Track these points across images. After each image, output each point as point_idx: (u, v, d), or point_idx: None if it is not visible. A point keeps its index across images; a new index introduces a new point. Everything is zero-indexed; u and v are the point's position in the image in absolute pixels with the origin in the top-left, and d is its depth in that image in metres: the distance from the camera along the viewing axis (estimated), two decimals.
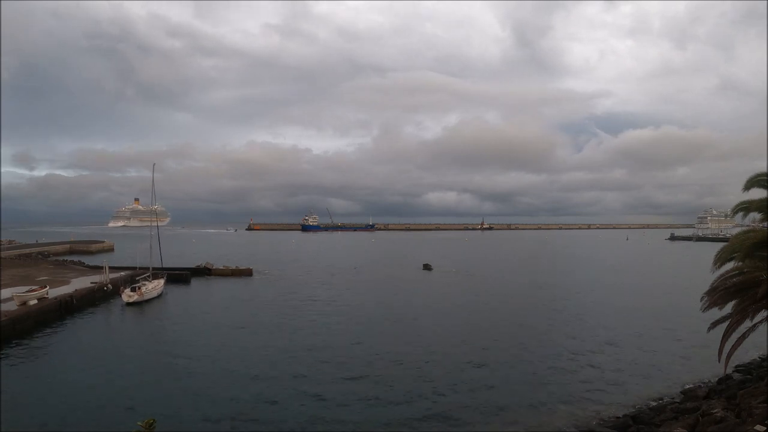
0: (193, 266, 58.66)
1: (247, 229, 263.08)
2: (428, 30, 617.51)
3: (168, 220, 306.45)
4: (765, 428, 11.94)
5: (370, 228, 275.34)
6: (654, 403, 18.12)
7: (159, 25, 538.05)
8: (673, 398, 18.66)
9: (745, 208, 17.32)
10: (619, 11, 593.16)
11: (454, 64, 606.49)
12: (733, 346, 15.07)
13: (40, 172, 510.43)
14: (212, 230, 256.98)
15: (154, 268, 45.36)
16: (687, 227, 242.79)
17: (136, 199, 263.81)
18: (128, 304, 36.85)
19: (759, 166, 17.52)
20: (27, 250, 77.19)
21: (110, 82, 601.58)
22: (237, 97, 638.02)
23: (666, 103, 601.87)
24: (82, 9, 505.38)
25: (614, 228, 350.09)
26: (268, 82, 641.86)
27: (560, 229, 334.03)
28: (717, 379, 20.09)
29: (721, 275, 16.26)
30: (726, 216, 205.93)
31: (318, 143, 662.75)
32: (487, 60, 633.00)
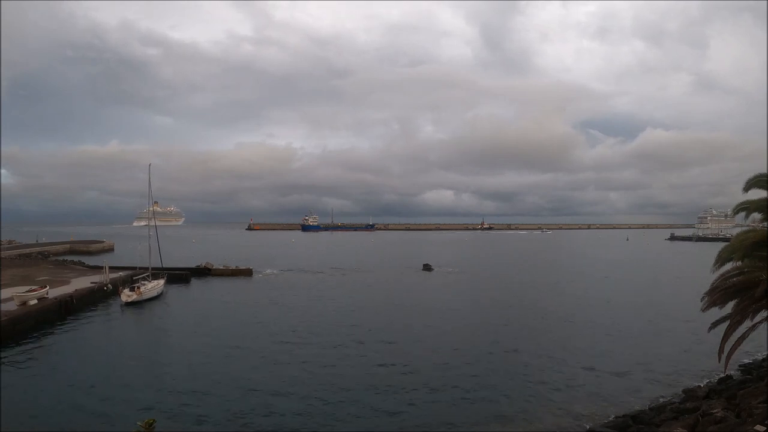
0: (193, 266, 58.66)
1: (247, 229, 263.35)
2: (399, 33, 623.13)
3: (183, 220, 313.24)
4: (765, 428, 11.93)
5: (370, 228, 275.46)
6: (654, 403, 18.11)
7: (131, 34, 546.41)
8: (673, 398, 18.63)
9: (746, 208, 17.30)
10: (587, 11, 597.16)
11: (429, 64, 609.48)
12: (733, 346, 15.06)
13: (29, 172, 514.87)
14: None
15: (153, 268, 45.36)
16: (687, 227, 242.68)
17: (156, 202, 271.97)
18: (127, 303, 36.84)
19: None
20: (27, 250, 77.18)
21: (94, 89, 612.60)
22: (226, 101, 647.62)
23: (649, 102, 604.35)
24: (57, 19, 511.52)
25: (614, 228, 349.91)
26: (248, 87, 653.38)
27: (560, 229, 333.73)
28: (717, 379, 20.09)
29: (721, 275, 16.24)
30: (726, 216, 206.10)
31: (311, 142, 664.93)
32: (462, 61, 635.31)
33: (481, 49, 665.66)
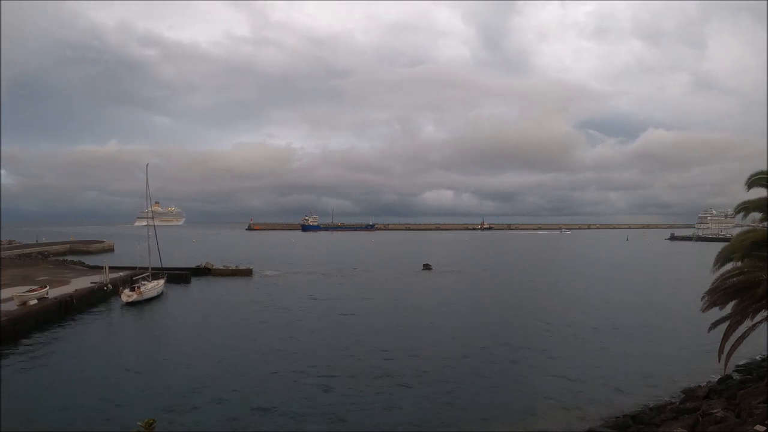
0: (193, 266, 58.65)
1: (247, 229, 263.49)
2: (396, 33, 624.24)
3: (183, 220, 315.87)
4: (765, 428, 11.93)
5: (370, 228, 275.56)
6: (654, 403, 18.09)
7: (129, 35, 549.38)
8: (673, 398, 18.62)
9: (746, 207, 17.28)
10: (585, 11, 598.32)
11: (428, 64, 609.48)
12: (733, 346, 15.05)
13: (28, 171, 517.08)
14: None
15: (153, 268, 45.34)
16: (687, 227, 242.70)
17: (156, 202, 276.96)
18: (127, 303, 36.83)
19: None
20: (27, 250, 77.19)
21: (94, 89, 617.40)
22: (225, 101, 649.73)
23: (648, 102, 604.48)
24: (57, 19, 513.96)
25: (614, 228, 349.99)
26: (247, 87, 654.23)
27: (560, 229, 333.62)
28: (717, 379, 20.05)
29: (721, 275, 16.23)
30: (726, 216, 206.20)
31: (311, 143, 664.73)
32: (460, 61, 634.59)
33: (480, 50, 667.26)
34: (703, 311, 16.33)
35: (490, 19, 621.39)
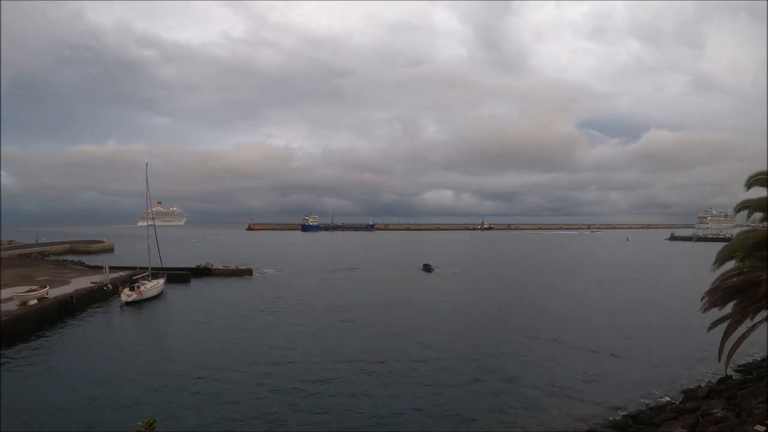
0: (193, 266, 58.64)
1: (247, 229, 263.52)
2: (393, 33, 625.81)
3: (184, 220, 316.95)
4: (765, 428, 11.93)
5: (370, 228, 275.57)
6: (654, 403, 18.11)
7: (127, 35, 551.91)
8: (673, 398, 18.64)
9: (747, 207, 17.28)
10: (581, 11, 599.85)
11: (426, 65, 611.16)
12: (733, 346, 15.07)
13: (28, 172, 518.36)
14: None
15: (153, 268, 45.34)
16: (687, 227, 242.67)
17: (159, 202, 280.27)
18: (127, 303, 36.85)
19: None
20: (27, 250, 77.18)
21: (93, 90, 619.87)
22: (224, 101, 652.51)
23: (648, 102, 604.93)
24: (56, 20, 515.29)
25: (614, 228, 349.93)
26: (246, 87, 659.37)
27: (560, 229, 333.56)
28: (717, 379, 20.08)
29: (721, 275, 16.24)
30: (726, 216, 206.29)
31: (311, 143, 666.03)
32: (458, 61, 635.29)
33: (477, 50, 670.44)
34: (704, 312, 16.33)
35: (486, 19, 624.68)
